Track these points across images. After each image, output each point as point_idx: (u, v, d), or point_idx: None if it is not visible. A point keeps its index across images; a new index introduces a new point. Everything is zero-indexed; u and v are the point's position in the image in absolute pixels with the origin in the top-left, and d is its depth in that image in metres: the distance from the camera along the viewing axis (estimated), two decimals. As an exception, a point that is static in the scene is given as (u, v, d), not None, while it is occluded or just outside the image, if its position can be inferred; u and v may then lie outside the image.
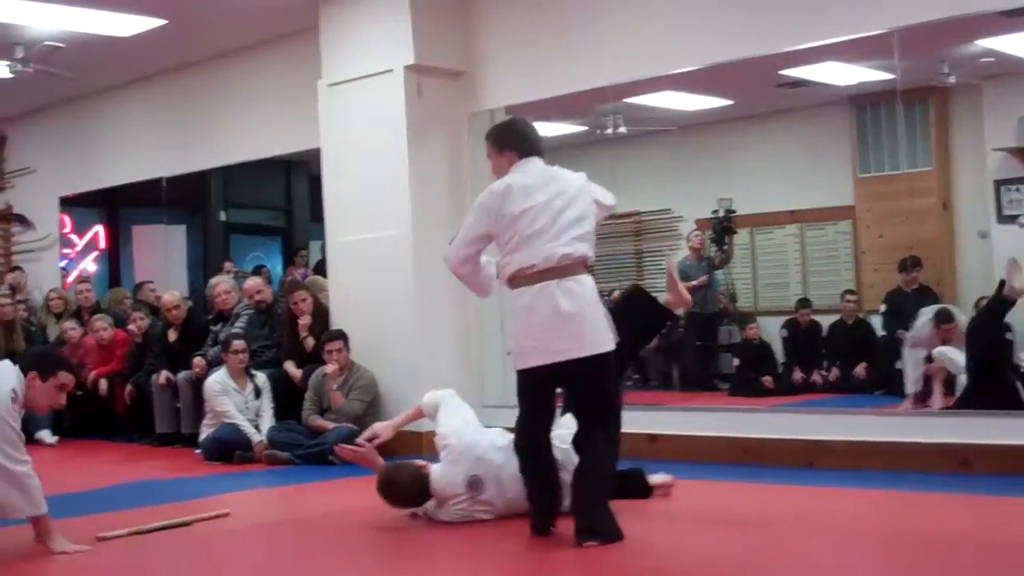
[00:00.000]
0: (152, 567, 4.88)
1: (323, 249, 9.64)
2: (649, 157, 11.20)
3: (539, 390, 4.96)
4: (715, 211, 10.56)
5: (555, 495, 5.03)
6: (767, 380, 10.11)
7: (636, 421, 7.80)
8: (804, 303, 10.44)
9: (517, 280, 4.87)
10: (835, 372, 9.99)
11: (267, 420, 8.54)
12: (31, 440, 9.96)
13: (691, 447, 7.44)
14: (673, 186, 11.44)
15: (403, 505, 5.52)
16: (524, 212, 4.86)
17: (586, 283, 4.87)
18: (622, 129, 9.51)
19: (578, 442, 5.01)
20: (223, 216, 12.42)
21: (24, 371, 5.01)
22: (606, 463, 4.92)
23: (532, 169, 5.06)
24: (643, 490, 5.90)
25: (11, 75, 9.87)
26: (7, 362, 5.14)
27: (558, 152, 11.95)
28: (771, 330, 10.59)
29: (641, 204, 11.33)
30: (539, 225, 4.83)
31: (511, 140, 5.19)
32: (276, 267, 12.36)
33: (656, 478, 6.01)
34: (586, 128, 10.72)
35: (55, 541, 4.95)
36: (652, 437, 7.63)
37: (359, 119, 8.65)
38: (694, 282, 10.77)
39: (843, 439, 6.93)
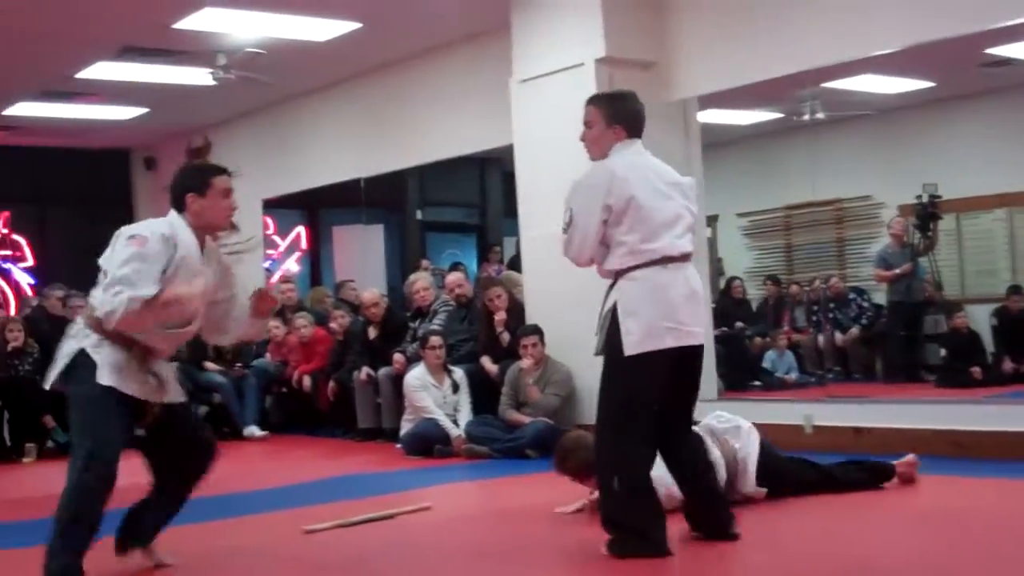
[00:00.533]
0: (358, 559, 4.96)
1: (517, 245, 9.69)
2: (848, 143, 10.94)
3: (662, 384, 4.55)
4: (919, 196, 10.22)
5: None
6: (976, 371, 9.74)
7: (841, 414, 7.69)
8: (1015, 290, 10.03)
9: (640, 262, 4.59)
10: (1048, 361, 9.58)
11: (465, 415, 8.63)
12: (240, 436, 10.36)
13: (898, 440, 7.19)
14: (874, 172, 11.14)
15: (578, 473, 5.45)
16: (648, 197, 4.62)
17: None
18: (820, 115, 9.29)
19: (672, 444, 4.71)
20: (419, 215, 12.63)
21: (180, 199, 4.91)
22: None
23: (644, 154, 4.85)
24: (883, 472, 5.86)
25: (215, 82, 10.22)
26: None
27: (754, 140, 11.93)
28: (980, 319, 10.21)
29: (841, 191, 11.08)
30: (665, 213, 4.63)
31: (626, 116, 4.88)
32: (471, 264, 12.50)
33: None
34: (782, 115, 10.53)
35: None
36: (858, 430, 7.44)
37: (551, 114, 8.64)
38: (897, 270, 10.48)
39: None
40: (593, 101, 5.03)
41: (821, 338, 11.31)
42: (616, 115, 4.86)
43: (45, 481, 8.43)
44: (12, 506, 7.04)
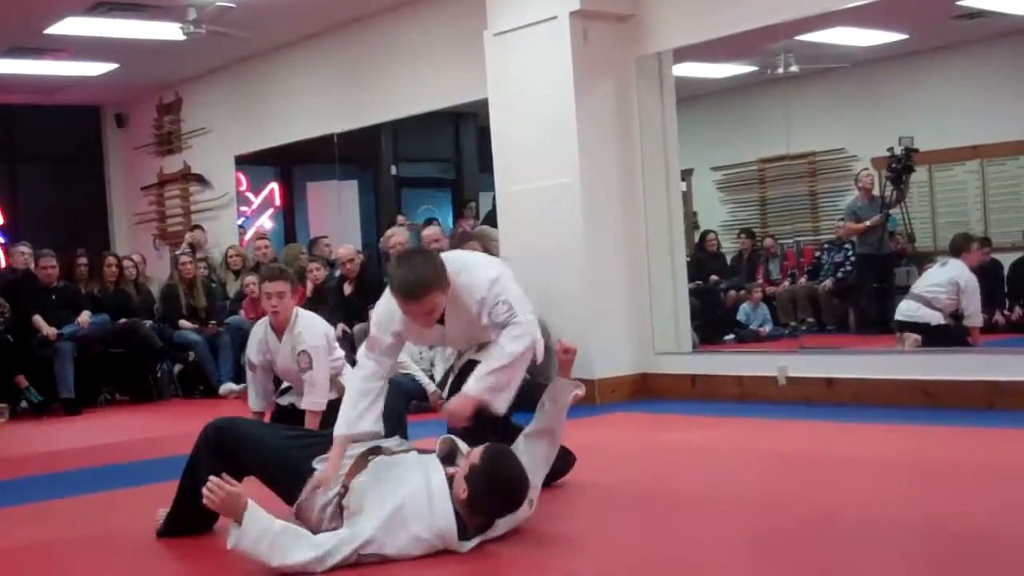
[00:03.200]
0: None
1: (493, 200, 9.68)
2: (822, 96, 10.93)
3: None
4: (890, 149, 10.24)
5: None
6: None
7: (813, 365, 7.75)
8: (985, 242, 10.06)
9: None
10: (1017, 312, 9.62)
11: (441, 370, 8.63)
12: (214, 394, 10.36)
13: (869, 390, 7.28)
14: (847, 125, 11.15)
15: None
16: None
17: None
18: (794, 68, 9.27)
19: None
20: (394, 170, 12.56)
21: None
22: None
23: None
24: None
25: (184, 37, 10.11)
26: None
27: (728, 94, 11.92)
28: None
29: (815, 144, 11.08)
30: None
31: None
32: (447, 219, 12.47)
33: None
34: (757, 68, 10.51)
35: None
36: (829, 381, 7.50)
37: (526, 68, 8.62)
38: (867, 223, 10.51)
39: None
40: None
41: (794, 291, 11.36)
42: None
43: (18, 441, 8.46)
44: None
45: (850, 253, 11.05)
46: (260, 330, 6.30)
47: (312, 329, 6.12)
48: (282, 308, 6.13)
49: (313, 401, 6.01)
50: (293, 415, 6.12)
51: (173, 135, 13.80)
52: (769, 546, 3.88)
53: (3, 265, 11.91)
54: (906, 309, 8.38)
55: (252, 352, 6.34)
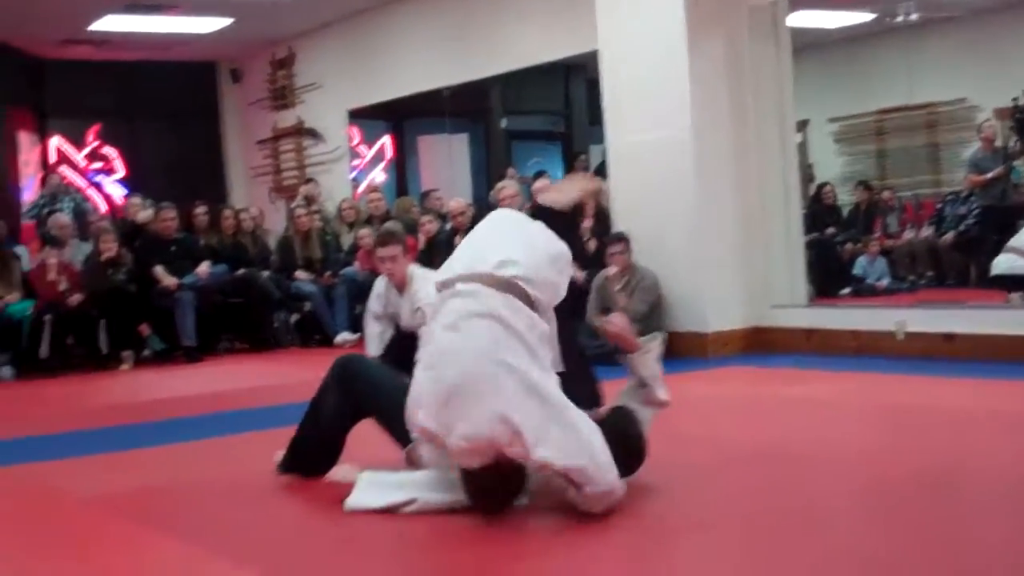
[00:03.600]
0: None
1: (603, 152, 9.64)
2: (943, 44, 10.66)
3: None
4: (1015, 99, 9.97)
5: None
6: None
7: (932, 320, 7.61)
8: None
9: None
10: None
11: (552, 321, 8.66)
12: (330, 344, 10.52)
13: (989, 346, 7.12)
14: (969, 74, 10.87)
15: None
16: None
17: None
18: (914, 16, 9.06)
19: None
20: (504, 123, 12.56)
21: None
22: None
23: None
24: None
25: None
26: None
27: (845, 43, 11.69)
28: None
29: (935, 95, 10.82)
30: None
31: None
32: (556, 172, 12.44)
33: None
34: (875, 17, 10.30)
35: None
36: (948, 336, 7.36)
37: (637, 18, 8.53)
38: (989, 175, 10.27)
39: None
40: None
41: (914, 244, 11.14)
42: None
43: (142, 388, 8.70)
44: (113, 412, 7.22)
45: (974, 206, 10.81)
46: (382, 287, 6.67)
47: (428, 287, 6.22)
48: (396, 269, 6.50)
49: None
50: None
51: (287, 90, 13.95)
52: (885, 501, 3.84)
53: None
54: (1004, 263, 8.16)
55: (375, 306, 6.70)
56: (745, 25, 8.50)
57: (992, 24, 10.48)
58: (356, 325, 10.84)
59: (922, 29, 9.64)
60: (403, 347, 6.25)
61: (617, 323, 4.18)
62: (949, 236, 10.84)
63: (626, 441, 3.79)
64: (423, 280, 6.38)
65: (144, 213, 10.66)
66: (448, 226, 10.36)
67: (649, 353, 4.14)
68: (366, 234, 11.08)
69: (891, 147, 11.86)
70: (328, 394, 4.34)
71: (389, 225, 7.15)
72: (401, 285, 6.52)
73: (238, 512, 4.17)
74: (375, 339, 6.72)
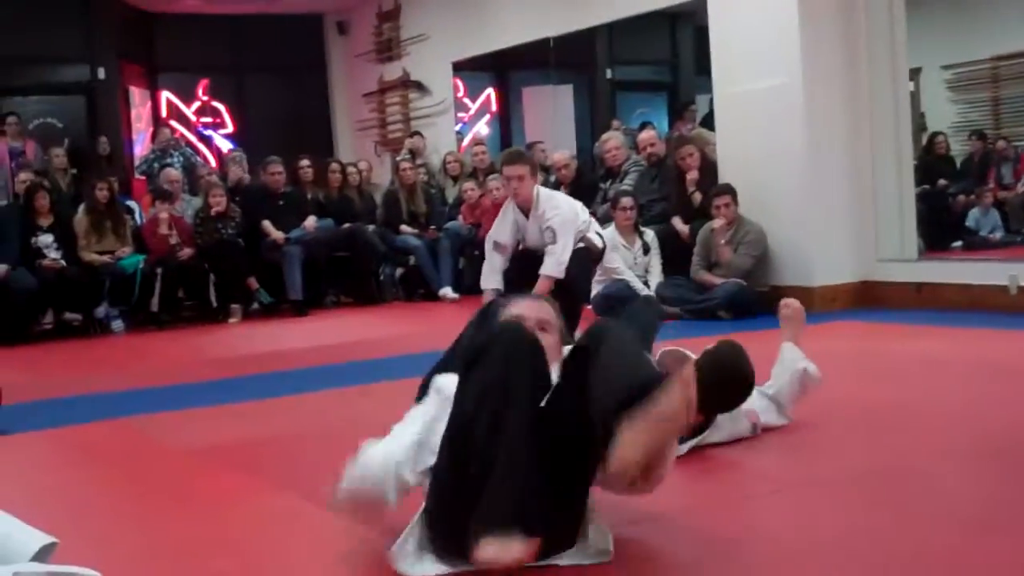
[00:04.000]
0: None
1: (710, 103, 9.51)
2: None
3: None
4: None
5: None
6: None
7: (1000, 273, 7.41)
8: None
9: None
10: None
11: (656, 276, 8.62)
12: (435, 298, 10.58)
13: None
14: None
15: None
16: None
17: None
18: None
19: None
20: (609, 74, 12.47)
21: None
22: None
23: None
24: None
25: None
26: None
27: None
28: None
29: (999, 47, 10.47)
30: None
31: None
32: (662, 124, 12.33)
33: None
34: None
35: None
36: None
37: (745, -35, 8.39)
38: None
39: None
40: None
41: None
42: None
43: (249, 341, 8.85)
44: (222, 365, 7.35)
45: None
46: (509, 212, 6.73)
47: (555, 207, 6.57)
48: (522, 189, 6.59)
49: (551, 267, 6.46)
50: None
51: (392, 42, 13.98)
52: (993, 457, 3.76)
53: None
54: None
55: (501, 233, 6.77)
56: (857, -29, 8.31)
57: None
58: (460, 280, 10.92)
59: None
60: (524, 266, 6.60)
61: (794, 307, 4.41)
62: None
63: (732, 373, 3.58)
64: (550, 200, 6.61)
65: (235, 170, 10.79)
66: (552, 179, 10.32)
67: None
68: (471, 187, 11.11)
69: (1006, 95, 11.51)
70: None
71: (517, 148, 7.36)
72: (526, 205, 6.62)
73: (337, 464, 4.21)
74: (491, 265, 6.85)
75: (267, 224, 10.37)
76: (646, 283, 8.51)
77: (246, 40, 14.58)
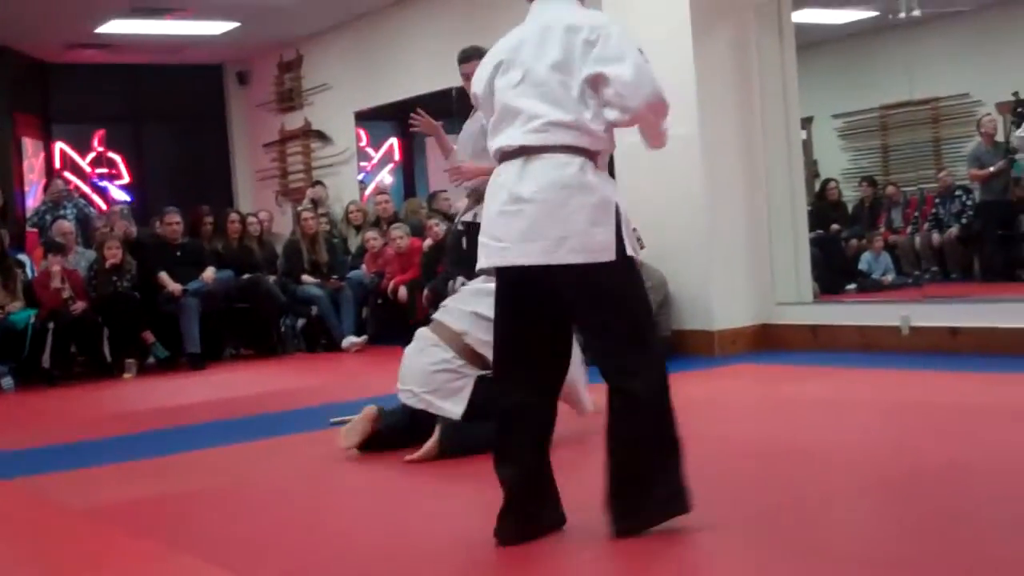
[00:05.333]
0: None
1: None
2: (945, 40, 10.64)
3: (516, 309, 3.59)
4: (1015, 93, 9.97)
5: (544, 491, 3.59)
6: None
7: (937, 315, 7.59)
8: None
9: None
10: None
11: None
12: (337, 348, 10.52)
13: (994, 340, 7.11)
14: (971, 69, 10.86)
15: None
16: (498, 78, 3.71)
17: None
18: (916, 12, 9.03)
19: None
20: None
21: None
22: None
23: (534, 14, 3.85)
24: None
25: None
26: None
27: (849, 40, 11.67)
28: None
29: (938, 90, 10.82)
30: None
31: None
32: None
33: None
34: (878, 13, 10.28)
35: None
36: (953, 331, 7.34)
37: (642, 16, 8.49)
38: (990, 168, 10.29)
39: None
40: None
41: (918, 239, 11.15)
42: None
43: (145, 396, 8.69)
44: (117, 421, 7.21)
45: (965, 200, 10.84)
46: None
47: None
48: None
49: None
50: None
51: (294, 92, 13.97)
52: (892, 496, 3.84)
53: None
54: None
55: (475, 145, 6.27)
56: (751, 21, 8.50)
57: (992, 19, 10.48)
58: (363, 329, 10.88)
59: (923, 25, 9.61)
60: None
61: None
62: (953, 230, 10.84)
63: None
64: None
65: (121, 224, 10.71)
66: (455, 228, 10.34)
67: None
68: (373, 236, 11.09)
69: (894, 142, 11.84)
70: None
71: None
72: None
73: (238, 524, 4.17)
74: None
75: (164, 276, 10.24)
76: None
77: (144, 90, 14.44)
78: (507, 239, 3.48)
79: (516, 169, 3.49)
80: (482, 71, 3.78)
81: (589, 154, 3.55)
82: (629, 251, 3.49)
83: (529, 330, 3.54)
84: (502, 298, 3.60)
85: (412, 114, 6.33)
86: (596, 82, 3.50)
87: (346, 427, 5.15)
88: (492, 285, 3.67)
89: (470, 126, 6.22)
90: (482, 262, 3.63)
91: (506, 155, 3.53)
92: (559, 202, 3.43)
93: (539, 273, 3.44)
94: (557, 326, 3.57)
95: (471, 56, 6.18)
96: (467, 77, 5.96)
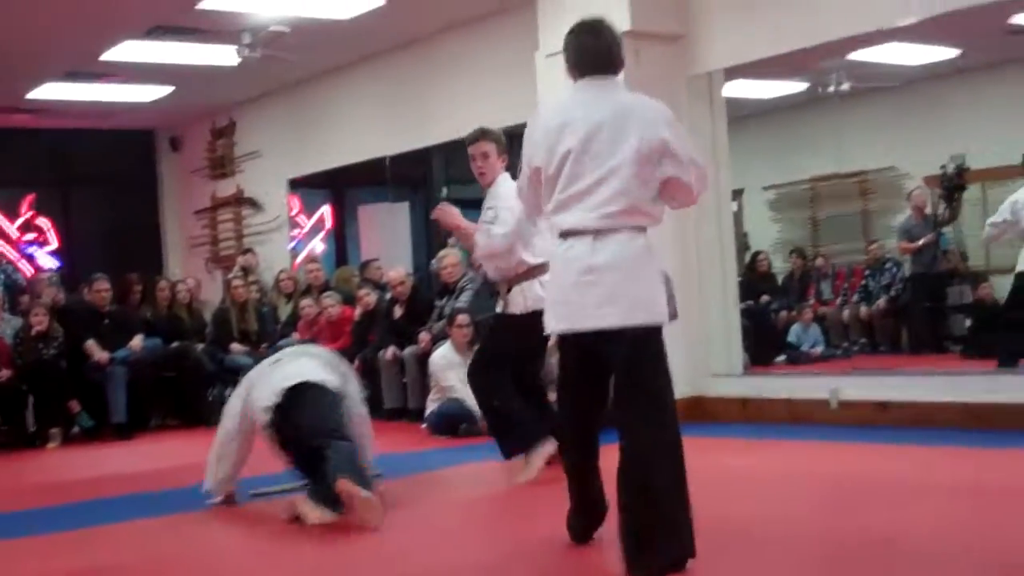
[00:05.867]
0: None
1: (546, 221, 9.64)
2: (873, 114, 10.86)
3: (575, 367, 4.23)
4: (943, 167, 10.15)
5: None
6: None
7: (866, 388, 7.65)
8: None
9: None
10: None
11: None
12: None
13: (924, 413, 7.17)
14: (898, 143, 11.07)
15: None
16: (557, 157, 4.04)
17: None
18: (845, 86, 9.22)
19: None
20: (445, 192, 12.58)
21: None
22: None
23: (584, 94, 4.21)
24: None
25: (238, 61, 10.21)
26: None
27: (779, 113, 11.86)
28: (1005, 289, 10.11)
29: (866, 163, 11.00)
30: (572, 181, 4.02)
31: (569, 53, 4.32)
32: (497, 241, 12.44)
33: None
34: (807, 87, 10.46)
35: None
36: (882, 404, 7.40)
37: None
38: (920, 242, 10.44)
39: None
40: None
41: (847, 311, 11.27)
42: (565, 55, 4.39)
43: (69, 467, 8.52)
44: (39, 492, 7.07)
45: (895, 272, 11.00)
46: None
47: (511, 194, 5.52)
48: (488, 169, 6.15)
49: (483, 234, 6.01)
50: None
51: (226, 159, 13.91)
52: (823, 571, 3.83)
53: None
54: None
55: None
56: (683, 95, 8.58)
57: (918, 94, 10.70)
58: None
59: (852, 99, 9.80)
60: None
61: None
62: (881, 303, 10.98)
63: None
64: (509, 187, 5.71)
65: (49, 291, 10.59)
66: (388, 296, 10.31)
67: None
68: (308, 303, 11.02)
69: (824, 215, 12.01)
70: None
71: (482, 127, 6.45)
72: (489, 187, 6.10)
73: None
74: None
75: (91, 344, 10.09)
76: (481, 400, 8.49)
77: (74, 155, 14.29)
78: (587, 305, 3.93)
79: (587, 245, 3.96)
80: (542, 134, 4.15)
81: (647, 228, 4.09)
82: (669, 315, 4.02)
83: (589, 389, 4.16)
84: (570, 361, 4.19)
85: (436, 208, 6.21)
86: (669, 184, 4.05)
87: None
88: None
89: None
90: (556, 327, 4.12)
91: (575, 233, 3.99)
92: (634, 271, 3.96)
93: (610, 336, 3.93)
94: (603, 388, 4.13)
95: (479, 138, 6.22)
96: (474, 158, 6.12)
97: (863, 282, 11.31)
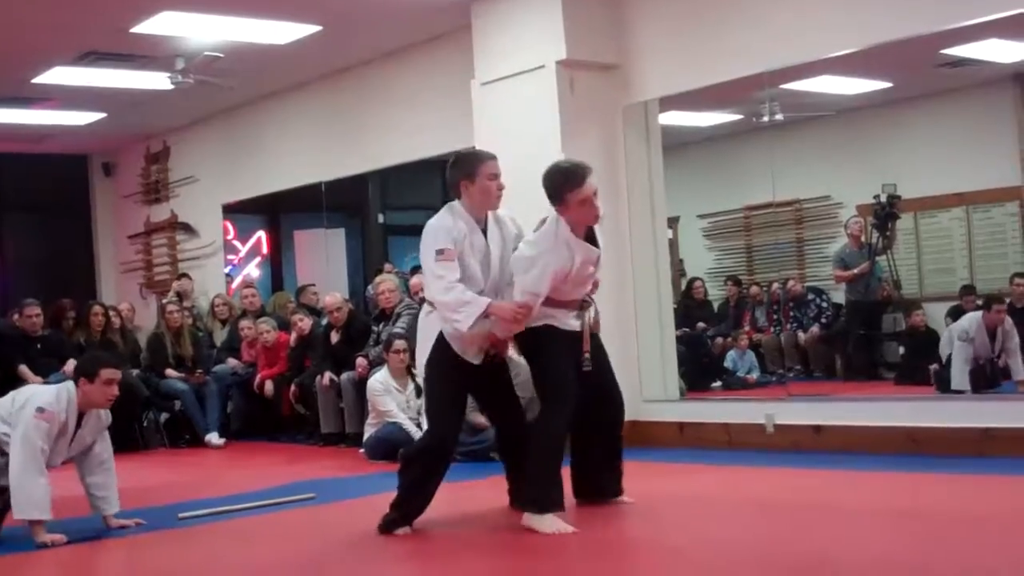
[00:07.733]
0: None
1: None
2: (807, 144, 10.97)
3: None
4: (876, 196, 10.31)
5: None
6: (934, 368, 9.79)
7: (801, 413, 7.74)
8: (968, 290, 10.09)
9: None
10: (1004, 359, 9.62)
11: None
12: (200, 443, 10.30)
13: (857, 438, 7.26)
14: (832, 172, 11.19)
15: None
16: None
17: None
18: (779, 116, 9.32)
19: None
20: (381, 218, 12.57)
21: (75, 380, 5.72)
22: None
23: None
24: None
25: (172, 87, 10.16)
26: (50, 386, 5.99)
27: (714, 142, 11.96)
28: (937, 317, 10.27)
29: (800, 192, 11.12)
30: None
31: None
32: (433, 267, 12.43)
33: None
34: (741, 116, 10.57)
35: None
36: (817, 428, 7.48)
37: (513, 117, 8.64)
38: (855, 270, 10.58)
39: (1014, 426, 6.68)
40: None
41: (783, 337, 11.39)
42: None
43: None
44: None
45: (823, 303, 11.15)
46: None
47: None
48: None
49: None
50: None
51: (160, 184, 13.81)
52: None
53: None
54: None
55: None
56: (619, 124, 8.68)
57: (853, 124, 10.85)
58: (227, 425, 10.70)
59: (786, 128, 9.91)
60: None
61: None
62: (815, 330, 11.10)
63: None
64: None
65: None
66: (324, 321, 10.27)
67: None
68: (248, 325, 10.96)
69: (758, 243, 12.12)
70: None
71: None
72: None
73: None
74: None
75: (23, 369, 9.96)
76: (419, 425, 8.46)
77: (6, 179, 14.12)
78: None
79: None
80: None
81: None
82: None
83: None
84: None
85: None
86: None
87: None
88: None
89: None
90: None
91: None
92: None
93: None
94: None
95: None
96: (493, 176, 5.96)
97: (791, 314, 11.45)
